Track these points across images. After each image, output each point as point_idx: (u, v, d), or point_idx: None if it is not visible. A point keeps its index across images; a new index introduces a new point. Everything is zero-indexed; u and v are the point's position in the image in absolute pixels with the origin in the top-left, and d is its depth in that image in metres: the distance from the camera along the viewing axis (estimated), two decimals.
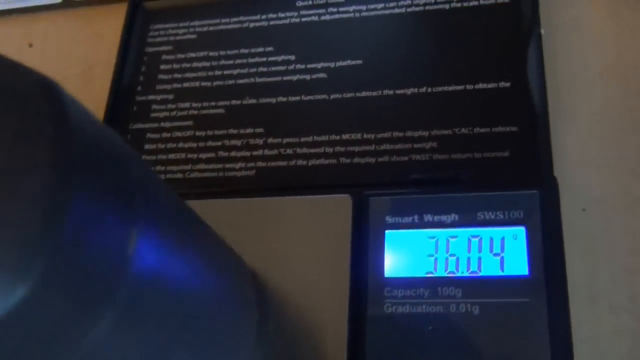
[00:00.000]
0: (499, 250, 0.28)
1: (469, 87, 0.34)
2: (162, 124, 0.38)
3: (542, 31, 0.34)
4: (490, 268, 0.28)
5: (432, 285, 0.28)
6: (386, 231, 0.30)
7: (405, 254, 0.29)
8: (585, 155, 0.32)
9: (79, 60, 0.43)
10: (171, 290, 0.19)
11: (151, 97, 0.39)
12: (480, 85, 0.34)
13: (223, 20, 0.40)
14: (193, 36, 0.40)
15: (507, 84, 0.34)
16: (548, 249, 0.28)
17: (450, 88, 0.35)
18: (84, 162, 0.15)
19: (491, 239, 0.29)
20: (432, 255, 0.29)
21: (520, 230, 0.29)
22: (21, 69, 0.16)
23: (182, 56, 0.40)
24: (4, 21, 0.44)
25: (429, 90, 0.35)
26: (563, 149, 0.32)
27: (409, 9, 0.37)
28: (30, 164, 0.14)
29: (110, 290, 0.16)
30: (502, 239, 0.29)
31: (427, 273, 0.29)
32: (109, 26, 0.43)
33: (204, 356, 0.23)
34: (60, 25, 0.44)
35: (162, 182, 0.22)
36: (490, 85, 0.34)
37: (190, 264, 0.21)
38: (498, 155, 0.32)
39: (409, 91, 0.35)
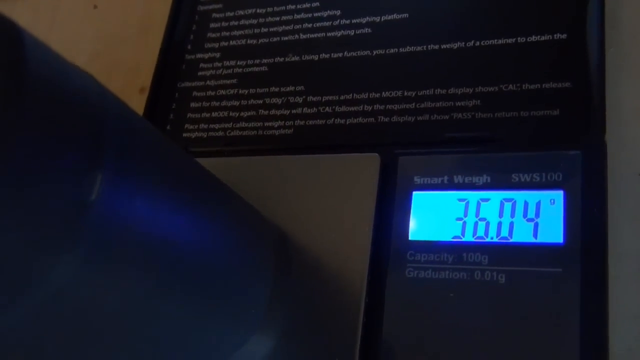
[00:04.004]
0: (533, 215, 0.26)
1: (521, 39, 0.32)
2: (208, 82, 0.38)
3: None
4: (522, 234, 0.26)
5: (458, 250, 0.27)
6: (414, 192, 0.28)
7: (432, 216, 0.28)
8: None
9: (139, 19, 0.44)
10: (153, 241, 0.19)
11: (199, 55, 0.39)
12: (534, 38, 0.31)
13: None
14: None
15: (564, 36, 0.31)
16: (588, 216, 0.25)
17: (500, 41, 0.32)
18: (36, 108, 0.15)
19: (526, 203, 0.26)
20: (461, 219, 0.27)
21: (558, 194, 0.26)
22: None
23: (231, 14, 0.40)
24: None
25: (477, 44, 0.32)
26: (621, 108, 0.29)
27: None
28: None
29: (68, 233, 0.16)
30: (538, 203, 0.26)
31: (453, 237, 0.27)
32: None
33: (202, 311, 0.23)
34: None
35: (160, 137, 0.22)
36: (545, 38, 0.31)
37: (180, 216, 0.21)
38: (547, 113, 0.29)
39: (456, 45, 0.33)
